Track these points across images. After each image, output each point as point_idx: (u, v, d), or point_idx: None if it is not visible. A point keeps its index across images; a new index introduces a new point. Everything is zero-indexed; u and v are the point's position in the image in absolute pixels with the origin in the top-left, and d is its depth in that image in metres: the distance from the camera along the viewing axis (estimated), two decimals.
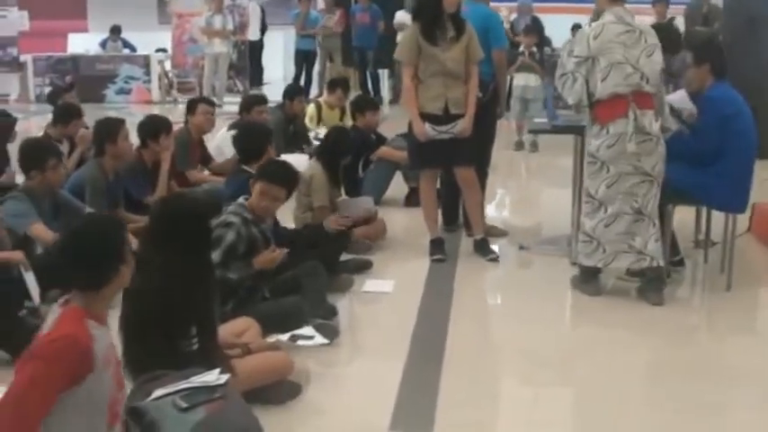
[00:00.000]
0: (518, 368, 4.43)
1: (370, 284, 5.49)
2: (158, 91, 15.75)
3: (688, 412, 3.87)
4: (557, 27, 13.94)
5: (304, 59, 15.36)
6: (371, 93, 14.80)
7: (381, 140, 7.83)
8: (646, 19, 6.84)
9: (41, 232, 5.01)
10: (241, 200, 4.69)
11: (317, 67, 15.72)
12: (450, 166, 6.02)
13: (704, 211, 6.06)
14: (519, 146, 10.84)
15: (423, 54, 5.79)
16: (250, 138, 5.69)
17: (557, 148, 10.11)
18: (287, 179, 4.70)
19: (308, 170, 6.17)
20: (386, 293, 5.40)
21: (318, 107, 9.43)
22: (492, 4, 6.97)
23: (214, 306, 3.85)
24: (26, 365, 2.70)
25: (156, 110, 14.63)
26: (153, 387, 3.17)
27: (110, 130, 5.85)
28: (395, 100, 14.87)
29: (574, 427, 3.87)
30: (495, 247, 6.20)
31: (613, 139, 5.04)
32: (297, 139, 8.81)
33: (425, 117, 5.80)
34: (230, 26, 14.78)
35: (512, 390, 4.23)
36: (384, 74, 16.14)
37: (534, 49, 10.76)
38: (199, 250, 3.71)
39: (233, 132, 7.83)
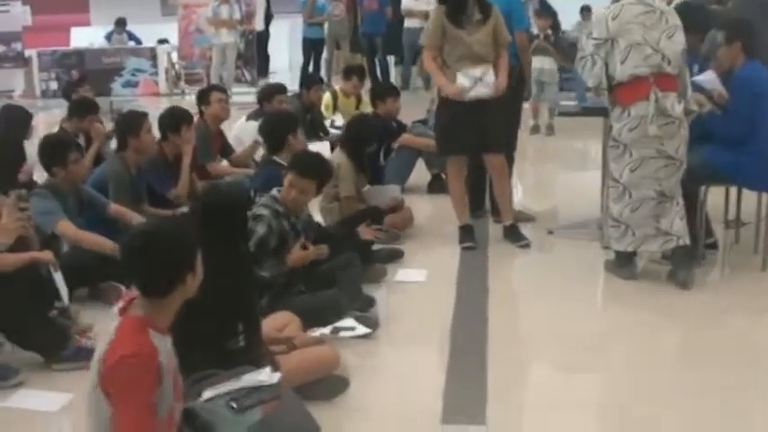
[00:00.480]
0: (563, 356, 4.33)
1: (403, 274, 5.39)
2: (166, 83, 15.62)
3: (718, 396, 3.80)
4: (565, 10, 13.86)
5: (312, 48, 15.22)
6: (380, 80, 14.68)
7: (402, 128, 7.72)
8: None
9: (68, 230, 4.93)
10: (274, 191, 4.59)
11: (324, 55, 15.58)
12: (480, 153, 5.90)
13: (734, 191, 5.96)
14: (535, 129, 10.74)
15: (448, 37, 5.69)
16: (276, 127, 5.56)
17: (573, 130, 10.13)
18: (317, 172, 4.59)
19: (332, 159, 6.06)
20: (419, 282, 5.30)
21: (334, 95, 9.32)
22: None
23: (256, 301, 3.77)
24: (116, 394, 2.60)
25: (164, 102, 14.56)
26: (203, 388, 3.09)
27: (132, 123, 5.74)
28: (404, 87, 14.73)
29: (623, 415, 3.77)
30: (524, 233, 6.10)
31: (635, 122, 4.94)
32: (314, 128, 8.71)
33: (453, 103, 5.70)
34: (237, 15, 14.63)
35: (560, 380, 4.11)
36: (391, 61, 16.02)
37: (549, 31, 10.65)
38: (239, 242, 3.63)
39: (252, 122, 7.78)
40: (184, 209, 5.93)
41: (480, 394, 3.78)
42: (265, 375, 3.08)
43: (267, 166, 5.47)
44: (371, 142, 6.32)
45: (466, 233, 5.99)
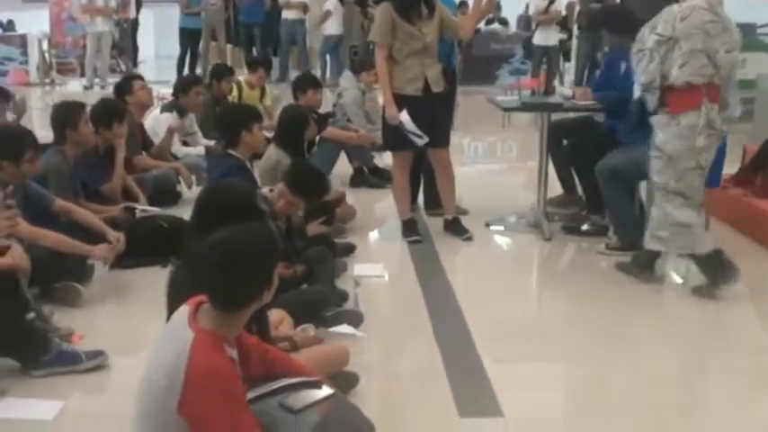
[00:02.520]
0: (549, 345, 4.44)
1: (361, 268, 5.35)
2: (36, 72, 14.90)
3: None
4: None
5: (189, 38, 14.87)
6: None
7: (323, 120, 7.66)
8: None
9: (23, 228, 4.62)
10: (265, 191, 4.48)
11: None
12: (428, 148, 5.93)
13: None
14: None
15: (399, 33, 5.68)
16: (230, 121, 5.40)
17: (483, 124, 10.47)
18: (308, 191, 4.58)
19: (270, 155, 5.89)
20: (380, 277, 5.29)
21: (239, 86, 9.13)
22: None
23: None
24: (208, 411, 2.52)
25: (36, 92, 13.93)
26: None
27: (70, 115, 5.47)
28: (281, 79, 14.60)
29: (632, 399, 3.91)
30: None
31: (685, 132, 4.84)
32: None
33: (404, 100, 5.71)
34: (113, 3, 14.12)
35: (556, 367, 4.22)
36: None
37: None
38: None
39: (167, 113, 7.56)
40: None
41: (486, 386, 3.82)
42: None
43: (222, 159, 5.32)
44: (307, 123, 6.15)
45: (411, 227, 6.02)
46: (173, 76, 13.14)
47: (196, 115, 7.96)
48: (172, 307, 3.49)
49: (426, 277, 5.30)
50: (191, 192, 6.99)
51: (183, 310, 2.74)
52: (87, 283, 5.00)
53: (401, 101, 5.70)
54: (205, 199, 3.59)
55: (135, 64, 16.45)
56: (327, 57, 15.20)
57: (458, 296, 4.98)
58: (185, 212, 6.25)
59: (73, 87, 14.63)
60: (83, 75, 14.66)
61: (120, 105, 6.21)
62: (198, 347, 2.56)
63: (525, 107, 6.31)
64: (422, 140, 5.72)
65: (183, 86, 7.68)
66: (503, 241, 6.18)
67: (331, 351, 3.73)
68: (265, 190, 4.53)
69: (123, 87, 6.93)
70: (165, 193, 6.74)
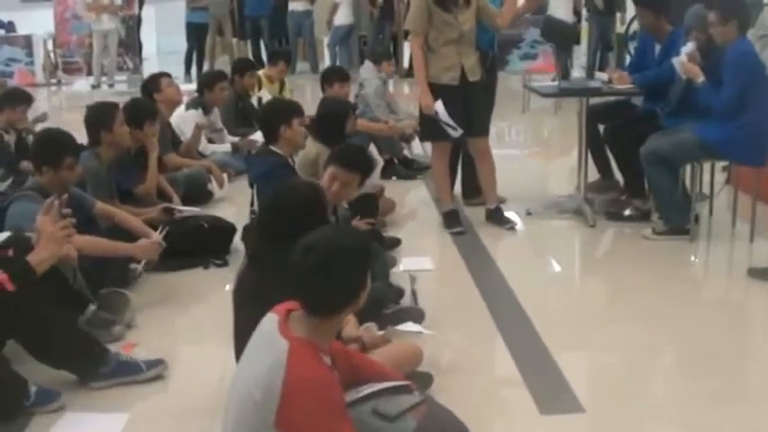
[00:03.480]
0: (616, 333, 4.34)
1: (409, 262, 5.22)
2: (42, 73, 14.74)
3: None
4: None
5: (196, 33, 14.72)
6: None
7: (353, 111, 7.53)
8: None
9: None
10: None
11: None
12: (467, 137, 5.82)
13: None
14: None
15: (435, 21, 5.57)
16: (269, 116, 5.27)
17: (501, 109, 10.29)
18: (362, 165, 4.42)
19: (309, 149, 5.77)
20: (429, 270, 5.18)
21: (258, 80, 9.01)
22: None
23: None
24: (304, 419, 2.43)
25: (42, 92, 13.78)
26: None
27: (104, 116, 5.33)
28: (291, 71, 14.43)
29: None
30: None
31: None
32: (246, 116, 8.42)
33: (440, 89, 5.59)
34: (118, 0, 13.96)
35: (630, 358, 4.08)
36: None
37: None
38: None
39: (192, 111, 7.44)
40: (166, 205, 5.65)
41: (561, 381, 3.72)
42: None
43: (264, 157, 5.19)
44: (348, 115, 6.00)
45: (453, 218, 5.91)
46: (177, 72, 13.07)
47: (219, 111, 7.85)
48: (242, 312, 3.40)
49: (476, 268, 5.19)
50: (222, 190, 6.90)
51: (272, 318, 2.63)
52: (131, 288, 4.88)
53: (437, 90, 5.58)
54: (275, 202, 3.48)
55: (140, 61, 16.30)
56: (337, 48, 15.05)
57: (511, 286, 4.88)
58: (221, 211, 6.20)
59: (80, 87, 14.47)
60: (89, 74, 14.51)
61: (151, 104, 6.09)
62: (294, 357, 2.46)
63: (564, 92, 6.19)
64: (456, 132, 5.61)
65: (207, 82, 7.56)
66: (547, 229, 6.05)
67: (404, 351, 3.61)
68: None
69: (151, 85, 6.80)
70: (196, 193, 6.63)
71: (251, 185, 5.21)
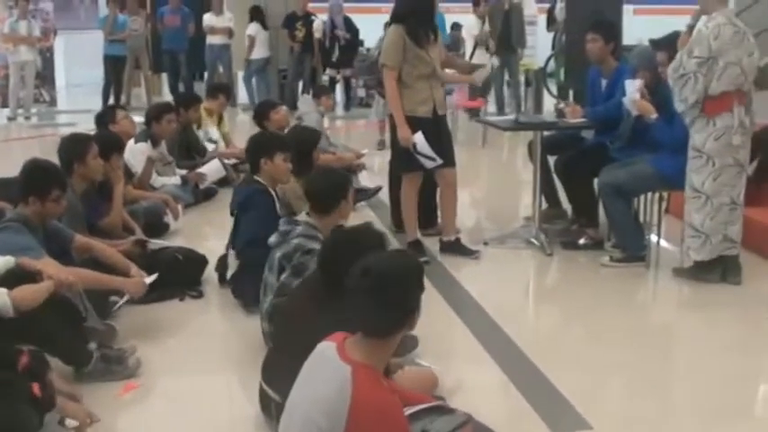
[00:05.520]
0: (602, 354, 4.55)
1: None
2: None
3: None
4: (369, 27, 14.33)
5: (114, 66, 14.55)
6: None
7: None
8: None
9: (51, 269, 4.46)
10: (303, 217, 4.42)
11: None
12: (439, 168, 5.94)
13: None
14: (381, 145, 10.85)
15: (408, 57, 5.72)
16: (253, 149, 5.31)
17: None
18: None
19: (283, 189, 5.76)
20: None
21: None
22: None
23: None
24: None
25: None
26: None
27: (77, 148, 5.32)
28: None
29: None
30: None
31: (720, 132, 5.25)
32: (189, 149, 8.43)
33: (416, 122, 5.75)
34: (36, 32, 13.69)
35: (622, 377, 4.32)
36: None
37: None
38: None
39: (142, 144, 7.40)
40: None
41: (562, 399, 3.90)
42: None
43: (246, 186, 5.27)
44: (317, 140, 6.11)
45: (417, 248, 6.04)
46: (87, 105, 12.93)
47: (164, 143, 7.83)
48: (286, 339, 3.45)
49: (451, 297, 5.33)
50: (176, 222, 6.88)
51: (329, 345, 2.69)
52: (109, 320, 4.84)
53: (414, 123, 5.73)
54: (333, 243, 3.57)
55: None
56: (253, 81, 15.07)
57: (488, 311, 5.06)
58: (179, 243, 6.17)
59: None
60: (5, 105, 14.14)
61: (118, 137, 6.07)
62: (358, 382, 2.51)
63: (522, 126, 6.43)
64: (434, 162, 5.77)
65: (155, 114, 7.53)
66: (508, 258, 6.22)
67: (423, 376, 3.74)
68: (303, 216, 4.46)
69: (105, 117, 6.77)
70: (153, 225, 6.59)
71: (232, 214, 5.27)
